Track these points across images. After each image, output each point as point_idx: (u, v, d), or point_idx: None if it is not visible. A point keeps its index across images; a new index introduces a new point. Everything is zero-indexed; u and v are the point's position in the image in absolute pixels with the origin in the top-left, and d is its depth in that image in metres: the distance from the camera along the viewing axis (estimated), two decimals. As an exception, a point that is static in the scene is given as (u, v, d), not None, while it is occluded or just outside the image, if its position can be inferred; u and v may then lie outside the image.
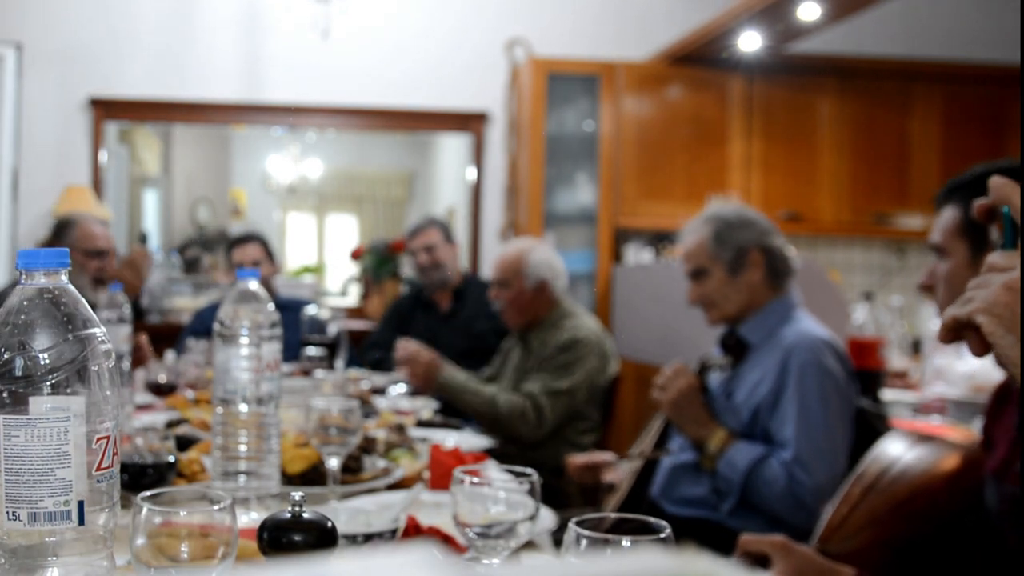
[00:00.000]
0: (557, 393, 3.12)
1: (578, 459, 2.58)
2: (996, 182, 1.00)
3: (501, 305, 3.37)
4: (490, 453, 2.17)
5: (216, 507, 0.95)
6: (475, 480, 1.11)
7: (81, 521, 0.93)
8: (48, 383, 0.91)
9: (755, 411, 2.22)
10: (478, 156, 5.38)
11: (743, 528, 2.14)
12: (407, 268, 5.51)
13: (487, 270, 5.17)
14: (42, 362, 0.91)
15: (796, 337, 2.24)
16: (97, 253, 3.25)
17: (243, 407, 1.45)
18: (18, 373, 0.91)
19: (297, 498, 1.05)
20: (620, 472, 2.50)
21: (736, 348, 2.32)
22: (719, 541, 2.02)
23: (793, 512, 2.11)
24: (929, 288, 1.72)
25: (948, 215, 1.68)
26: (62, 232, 3.28)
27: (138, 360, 2.91)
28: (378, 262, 5.80)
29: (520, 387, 3.18)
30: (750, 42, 4.67)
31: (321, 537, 1.04)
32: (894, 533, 1.52)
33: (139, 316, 4.78)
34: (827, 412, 2.16)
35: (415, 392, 3.08)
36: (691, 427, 2.25)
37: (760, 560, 1.40)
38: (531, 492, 1.11)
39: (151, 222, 6.69)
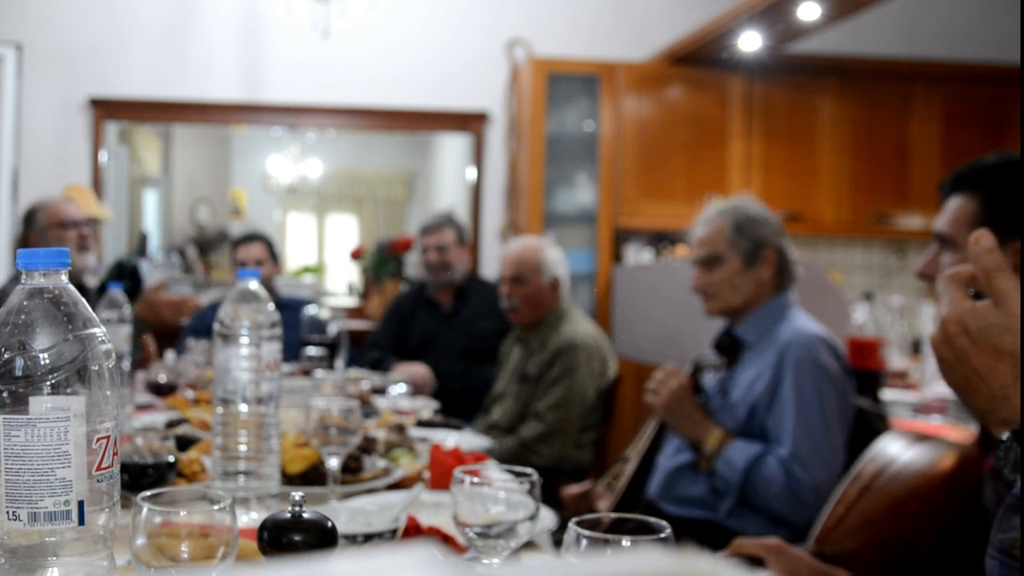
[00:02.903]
0: (565, 404, 3.21)
1: (572, 489, 2.60)
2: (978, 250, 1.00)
3: (515, 302, 3.35)
4: (490, 453, 2.17)
5: (216, 507, 0.95)
6: (475, 480, 1.11)
7: (81, 521, 0.93)
8: (48, 383, 0.91)
9: (752, 408, 2.21)
10: (478, 156, 5.38)
11: (742, 527, 2.14)
12: (410, 267, 5.50)
13: (487, 270, 5.18)
14: (42, 362, 0.91)
15: (791, 334, 2.24)
16: (72, 223, 3.29)
17: (243, 407, 1.45)
18: (18, 373, 0.91)
19: (297, 498, 1.05)
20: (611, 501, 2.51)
21: (730, 349, 2.32)
22: (718, 541, 2.02)
23: (792, 510, 2.11)
24: (929, 277, 1.66)
25: (959, 204, 1.61)
26: (32, 219, 3.34)
27: (143, 360, 2.91)
28: (378, 262, 5.80)
29: (529, 407, 3.25)
30: (750, 42, 4.67)
31: (321, 537, 1.04)
32: (891, 534, 1.52)
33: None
34: (823, 408, 2.15)
35: (415, 392, 3.09)
36: (686, 428, 2.24)
37: (754, 563, 1.41)
38: (531, 492, 1.11)
39: (151, 222, 6.69)
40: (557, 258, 3.38)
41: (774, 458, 2.13)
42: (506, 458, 2.98)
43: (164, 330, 3.95)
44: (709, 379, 2.32)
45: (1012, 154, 1.62)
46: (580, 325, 3.37)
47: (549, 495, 1.45)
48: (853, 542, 1.54)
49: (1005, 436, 0.98)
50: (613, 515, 0.91)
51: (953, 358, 1.00)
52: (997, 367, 0.97)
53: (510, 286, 3.35)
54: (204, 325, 3.75)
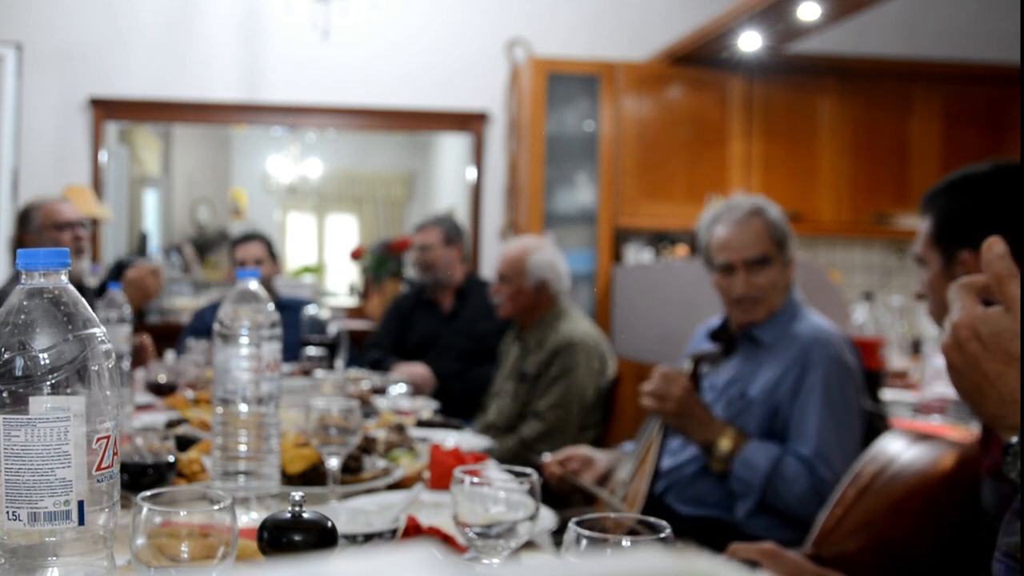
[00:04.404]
0: (564, 403, 3.21)
1: (553, 467, 2.54)
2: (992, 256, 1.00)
3: (499, 298, 3.42)
4: (490, 453, 2.17)
5: (216, 507, 0.95)
6: (475, 480, 1.11)
7: (81, 521, 0.93)
8: (48, 383, 0.91)
9: (776, 408, 2.19)
10: (478, 156, 5.38)
11: (757, 528, 2.12)
12: (409, 267, 5.51)
13: (487, 270, 5.17)
14: (42, 362, 0.91)
15: (812, 332, 2.22)
16: (67, 224, 3.24)
17: (243, 407, 1.45)
18: (18, 373, 0.91)
19: (297, 498, 1.05)
20: (598, 470, 2.48)
21: (729, 340, 2.30)
22: (730, 541, 2.01)
23: (814, 509, 2.07)
24: (921, 296, 1.73)
25: (924, 225, 1.69)
26: (27, 218, 3.28)
27: (141, 360, 2.90)
28: (378, 262, 5.80)
29: (528, 407, 3.26)
30: (750, 42, 4.67)
31: (321, 537, 1.04)
32: (891, 534, 1.52)
33: (139, 316, 4.78)
34: (848, 407, 2.14)
35: (415, 392, 3.10)
36: (696, 431, 2.21)
37: (751, 568, 1.41)
38: (531, 492, 1.11)
39: (151, 222, 6.69)
40: (544, 262, 3.36)
41: (795, 458, 2.10)
42: (506, 458, 2.98)
43: (163, 326, 3.95)
44: (720, 377, 2.28)
45: (975, 168, 1.65)
46: (578, 324, 3.37)
47: (550, 495, 1.45)
48: (853, 543, 1.54)
49: (1013, 440, 0.98)
50: (613, 515, 0.91)
51: (963, 363, 1.00)
52: (1008, 372, 0.97)
53: (498, 283, 3.43)
54: (204, 325, 3.75)
